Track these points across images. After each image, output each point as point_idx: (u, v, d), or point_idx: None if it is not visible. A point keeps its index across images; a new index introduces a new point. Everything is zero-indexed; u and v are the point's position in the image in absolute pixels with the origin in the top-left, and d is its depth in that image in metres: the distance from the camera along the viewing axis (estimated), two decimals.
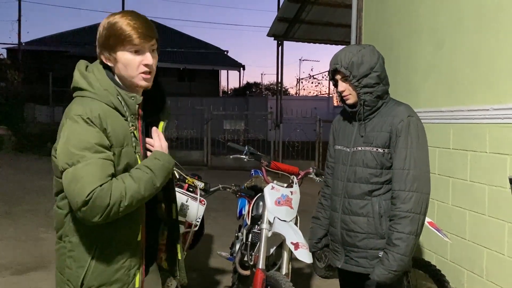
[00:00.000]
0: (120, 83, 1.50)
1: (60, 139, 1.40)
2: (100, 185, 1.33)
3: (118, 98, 1.46)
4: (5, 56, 18.49)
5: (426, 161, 2.02)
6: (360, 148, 2.05)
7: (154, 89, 1.59)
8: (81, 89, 1.47)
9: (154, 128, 1.55)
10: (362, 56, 1.96)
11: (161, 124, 1.63)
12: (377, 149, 2.00)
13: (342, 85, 2.03)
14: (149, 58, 1.47)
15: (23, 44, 21.28)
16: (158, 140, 1.54)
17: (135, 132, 1.49)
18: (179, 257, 1.75)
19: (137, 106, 1.50)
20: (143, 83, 1.49)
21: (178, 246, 1.74)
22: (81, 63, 1.53)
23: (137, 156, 1.48)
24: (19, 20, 19.83)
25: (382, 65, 2.02)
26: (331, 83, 2.15)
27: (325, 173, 2.37)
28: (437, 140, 3.38)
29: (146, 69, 1.47)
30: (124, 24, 1.43)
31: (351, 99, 2.04)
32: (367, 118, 2.04)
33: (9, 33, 43.32)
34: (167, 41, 26.81)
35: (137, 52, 1.46)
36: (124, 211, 1.38)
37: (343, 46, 2.11)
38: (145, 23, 1.46)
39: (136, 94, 1.51)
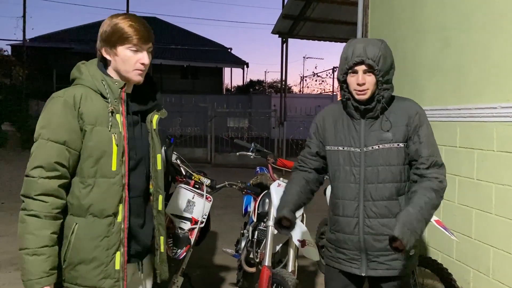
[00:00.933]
0: (107, 72, 1.69)
1: None
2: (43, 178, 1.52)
3: (102, 83, 1.64)
4: (10, 53, 18.55)
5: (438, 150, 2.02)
6: (377, 147, 1.95)
7: (146, 83, 1.77)
8: (73, 80, 1.68)
9: None
10: (385, 50, 1.91)
11: (155, 117, 1.77)
12: (398, 144, 1.94)
13: (364, 78, 1.90)
14: (145, 58, 1.66)
15: (28, 40, 21.22)
16: None
17: (116, 114, 1.63)
18: (161, 250, 1.80)
19: (119, 90, 1.65)
20: (137, 78, 1.68)
21: (161, 238, 1.79)
22: (81, 63, 1.73)
23: (113, 136, 1.61)
24: (23, 17, 19.79)
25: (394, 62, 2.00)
26: (341, 76, 1.98)
27: (296, 168, 2.21)
28: (444, 138, 3.37)
29: (141, 67, 1.66)
30: (127, 25, 1.62)
31: (368, 94, 1.92)
32: (376, 115, 1.97)
33: (13, 29, 43.37)
34: (170, 38, 26.81)
35: (135, 51, 1.64)
36: (21, 219, 1.58)
37: (344, 44, 2.02)
38: (144, 27, 1.66)
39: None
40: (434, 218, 2.97)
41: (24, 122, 13.82)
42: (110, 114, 1.61)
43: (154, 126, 1.75)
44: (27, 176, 1.55)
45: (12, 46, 22.29)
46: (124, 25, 1.62)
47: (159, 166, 1.76)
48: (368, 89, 1.92)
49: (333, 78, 22.51)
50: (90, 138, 1.58)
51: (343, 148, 2.01)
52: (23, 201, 1.55)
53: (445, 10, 3.42)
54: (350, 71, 1.94)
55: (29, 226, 1.53)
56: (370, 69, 1.89)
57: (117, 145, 1.60)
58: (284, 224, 2.02)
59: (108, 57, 1.67)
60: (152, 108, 1.77)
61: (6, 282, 3.81)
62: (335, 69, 24.41)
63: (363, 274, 2.00)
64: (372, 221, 1.95)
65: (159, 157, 1.76)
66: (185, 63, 25.58)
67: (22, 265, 1.54)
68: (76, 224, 1.60)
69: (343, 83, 2.00)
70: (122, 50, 1.63)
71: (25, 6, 18.45)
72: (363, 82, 1.91)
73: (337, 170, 2.03)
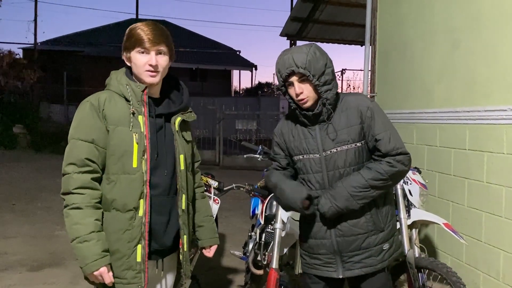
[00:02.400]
0: (133, 78, 1.80)
1: None
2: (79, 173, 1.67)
3: (126, 87, 1.76)
4: (21, 56, 18.76)
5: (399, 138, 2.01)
6: (335, 150, 1.96)
7: (173, 87, 1.91)
8: (104, 87, 1.82)
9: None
10: (314, 53, 1.90)
11: (178, 119, 1.84)
12: (355, 144, 1.95)
13: (300, 87, 1.91)
14: (153, 59, 1.73)
15: (39, 44, 21.54)
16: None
17: (137, 115, 1.74)
18: (185, 249, 1.85)
19: (141, 92, 1.75)
20: (148, 79, 1.76)
21: (185, 237, 1.84)
22: (113, 71, 1.87)
23: (134, 135, 1.72)
24: (35, 20, 20.08)
25: (330, 59, 1.97)
26: (282, 89, 2.03)
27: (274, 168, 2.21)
28: (453, 140, 3.35)
29: (150, 68, 1.74)
30: (138, 30, 1.74)
31: (310, 101, 1.94)
32: (330, 117, 1.97)
33: (25, 33, 43.90)
34: (179, 41, 26.94)
35: (143, 53, 1.74)
36: (66, 215, 1.70)
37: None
38: (154, 30, 1.75)
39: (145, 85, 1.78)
40: (443, 221, 2.95)
41: (35, 124, 13.97)
42: (131, 115, 1.73)
43: (177, 128, 1.82)
44: (63, 174, 1.69)
45: (24, 49, 22.59)
46: (135, 30, 1.75)
47: (182, 166, 1.82)
48: (307, 96, 1.93)
49: (342, 80, 22.41)
50: (112, 137, 1.71)
51: (303, 156, 2.03)
52: (64, 199, 1.69)
53: (454, 12, 3.41)
54: (286, 83, 1.97)
55: (74, 218, 1.66)
56: (303, 77, 1.90)
57: (137, 143, 1.71)
58: (306, 205, 1.98)
59: (128, 63, 1.80)
60: (178, 110, 1.85)
61: (17, 282, 3.85)
62: (344, 71, 24.32)
63: (340, 276, 2.03)
64: (341, 224, 1.99)
65: (181, 158, 1.82)
66: (194, 66, 25.68)
67: (77, 254, 1.66)
68: (102, 215, 1.72)
69: (286, 94, 2.03)
70: (134, 54, 1.75)
71: (37, 10, 18.72)
72: (300, 92, 1.92)
73: (304, 178, 2.07)
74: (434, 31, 3.65)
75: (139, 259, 1.71)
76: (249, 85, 33.38)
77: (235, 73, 29.77)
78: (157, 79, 1.77)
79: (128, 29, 1.80)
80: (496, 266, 2.89)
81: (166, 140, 1.81)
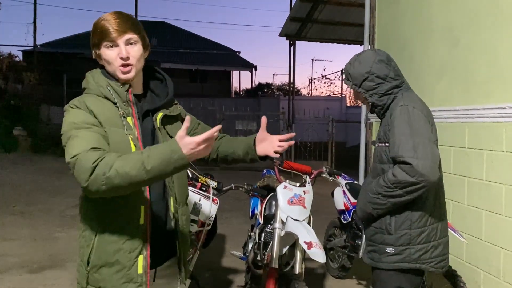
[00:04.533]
0: (112, 77, 1.60)
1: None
2: (86, 151, 1.38)
3: (107, 88, 1.57)
4: (21, 59, 18.78)
5: (424, 144, 1.95)
6: (377, 145, 2.18)
7: (155, 78, 1.72)
8: (83, 90, 1.63)
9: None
10: (355, 65, 2.14)
11: (160, 115, 1.65)
12: (385, 144, 2.09)
13: (355, 94, 2.22)
14: (122, 51, 1.53)
15: (39, 46, 21.56)
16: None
17: (127, 117, 1.56)
18: (177, 254, 1.70)
19: (126, 92, 1.57)
20: (122, 76, 1.56)
21: (177, 243, 1.69)
22: (88, 72, 1.66)
23: (129, 138, 1.54)
24: (34, 23, 20.10)
25: (380, 63, 2.12)
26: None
27: None
28: (452, 139, 3.34)
29: (122, 61, 1.54)
30: (101, 22, 1.53)
31: (366, 103, 2.20)
32: (383, 116, 2.17)
33: (24, 35, 43.84)
34: (179, 42, 26.94)
35: (112, 46, 1.54)
36: (109, 184, 1.36)
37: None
38: (119, 19, 1.54)
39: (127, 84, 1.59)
40: None
41: (35, 127, 13.98)
42: (122, 118, 1.55)
43: (158, 125, 1.63)
44: (69, 163, 1.41)
45: (23, 51, 22.61)
46: (99, 22, 1.54)
47: None
48: (363, 99, 2.23)
49: (342, 80, 22.43)
50: (110, 137, 1.51)
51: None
52: (86, 183, 1.36)
53: (453, 11, 3.40)
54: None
55: (120, 163, 1.35)
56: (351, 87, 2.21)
57: (135, 146, 1.53)
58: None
59: (99, 61, 1.60)
60: (163, 105, 1.66)
61: (17, 285, 3.85)
62: (343, 71, 24.33)
63: (359, 257, 2.42)
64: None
65: None
66: (194, 67, 25.67)
67: (162, 160, 1.35)
68: (99, 226, 1.56)
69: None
70: (103, 51, 1.55)
71: (36, 13, 18.72)
72: (356, 98, 2.29)
73: None
74: (432, 30, 3.64)
75: (140, 271, 1.56)
76: (249, 86, 33.41)
77: (235, 73, 29.73)
78: (132, 74, 1.57)
79: (93, 24, 1.57)
80: (497, 264, 2.88)
81: (153, 140, 1.64)
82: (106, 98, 1.56)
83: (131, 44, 1.55)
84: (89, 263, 1.56)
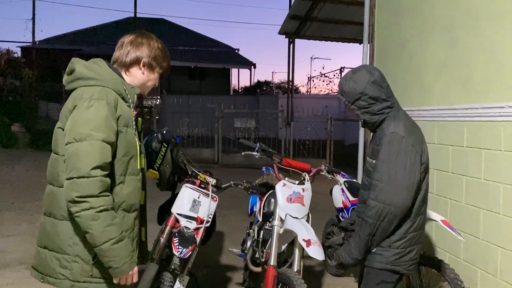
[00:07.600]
0: (122, 76, 1.83)
1: (72, 117, 1.65)
2: (102, 175, 1.60)
3: (123, 88, 1.77)
4: (19, 55, 18.73)
5: (402, 175, 2.08)
6: (367, 159, 2.31)
7: None
8: (87, 79, 1.71)
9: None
10: (349, 84, 2.20)
11: (139, 120, 1.89)
12: (372, 160, 2.23)
13: (348, 109, 2.32)
14: (157, 83, 1.95)
15: (37, 42, 21.46)
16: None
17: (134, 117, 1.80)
18: (142, 238, 1.96)
19: (135, 96, 1.81)
20: (143, 92, 1.94)
21: (143, 230, 1.96)
22: (77, 59, 1.78)
23: (136, 137, 1.77)
24: (33, 19, 20.00)
25: (373, 85, 2.17)
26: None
27: None
28: (451, 138, 3.35)
29: (151, 88, 1.96)
30: (167, 56, 1.94)
31: (358, 118, 2.27)
32: (375, 131, 2.27)
33: (23, 31, 43.62)
34: (178, 39, 26.89)
35: (157, 74, 1.91)
36: (84, 218, 1.57)
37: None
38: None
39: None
40: (440, 218, 2.96)
41: (33, 123, 13.95)
42: (133, 118, 1.78)
43: (139, 129, 1.87)
44: (87, 176, 1.57)
45: (22, 48, 22.55)
46: (168, 54, 1.95)
47: (143, 164, 1.87)
48: (356, 114, 2.34)
49: (340, 78, 22.45)
50: (125, 138, 1.71)
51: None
52: (85, 202, 1.57)
53: (452, 10, 3.40)
54: None
55: (105, 219, 1.60)
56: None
57: (139, 144, 1.79)
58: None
59: (140, 71, 1.85)
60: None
61: (16, 281, 3.85)
62: (342, 70, 24.31)
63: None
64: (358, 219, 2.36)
65: (142, 156, 1.87)
66: (193, 64, 25.63)
67: (110, 256, 1.62)
68: None
69: None
70: (157, 73, 1.91)
71: (35, 9, 18.66)
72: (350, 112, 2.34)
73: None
74: (432, 29, 3.65)
75: (143, 238, 1.91)
76: (248, 84, 33.39)
77: (233, 71, 29.71)
78: None
79: (164, 48, 1.92)
80: (494, 263, 2.89)
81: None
82: (121, 95, 1.75)
83: None
84: (95, 256, 1.67)
